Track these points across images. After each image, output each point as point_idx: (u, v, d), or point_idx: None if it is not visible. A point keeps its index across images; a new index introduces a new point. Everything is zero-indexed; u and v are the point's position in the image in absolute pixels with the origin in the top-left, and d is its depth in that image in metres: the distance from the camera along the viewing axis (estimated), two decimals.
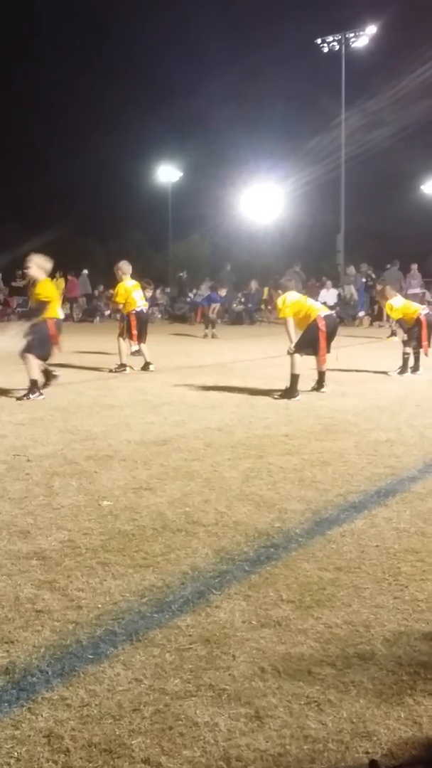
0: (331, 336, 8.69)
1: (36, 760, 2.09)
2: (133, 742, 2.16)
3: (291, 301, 8.71)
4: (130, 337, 11.22)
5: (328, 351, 8.73)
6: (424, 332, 10.31)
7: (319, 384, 8.80)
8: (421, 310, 10.60)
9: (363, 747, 2.13)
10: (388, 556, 3.55)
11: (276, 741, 2.16)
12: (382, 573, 3.36)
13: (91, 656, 2.64)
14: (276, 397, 8.31)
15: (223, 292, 21.98)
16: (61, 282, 29.41)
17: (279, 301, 8.88)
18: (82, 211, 48.95)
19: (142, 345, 11.37)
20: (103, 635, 2.79)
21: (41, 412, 7.44)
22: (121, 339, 11.28)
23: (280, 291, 9.04)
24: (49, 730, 2.22)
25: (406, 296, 26.03)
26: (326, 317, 8.67)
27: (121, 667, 2.57)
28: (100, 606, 3.03)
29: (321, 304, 9.37)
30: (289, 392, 8.30)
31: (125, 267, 11.41)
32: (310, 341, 8.54)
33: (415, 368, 10.44)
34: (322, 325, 8.50)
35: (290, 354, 8.49)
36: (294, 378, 8.39)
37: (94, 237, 54.97)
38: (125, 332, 11.23)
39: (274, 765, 2.06)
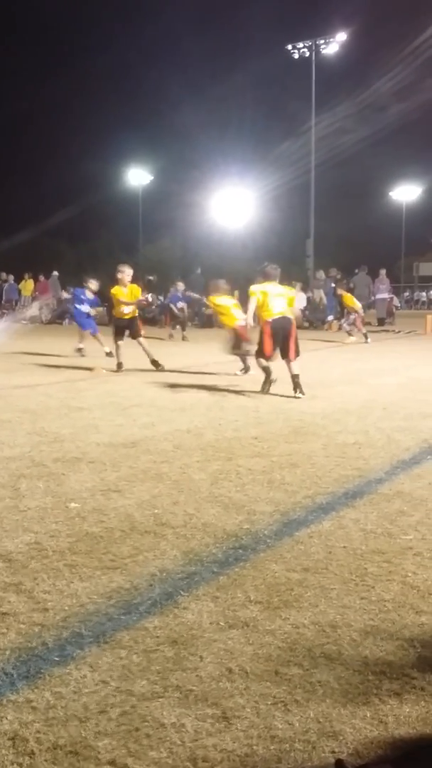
0: (279, 335, 8.76)
1: (0, 762, 2.06)
2: (99, 743, 2.14)
3: (261, 288, 8.90)
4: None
5: (297, 353, 8.80)
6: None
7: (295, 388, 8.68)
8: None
9: (329, 746, 2.14)
10: (355, 557, 3.57)
11: (243, 741, 2.16)
12: (349, 574, 3.37)
13: (57, 658, 2.61)
14: (263, 391, 8.82)
15: (181, 286, 21.62)
16: (30, 284, 29.24)
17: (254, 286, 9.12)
18: (52, 213, 48.72)
19: (119, 343, 11.50)
20: (70, 637, 2.77)
21: (8, 413, 7.37)
22: (119, 342, 11.49)
23: (260, 278, 9.25)
24: (14, 732, 2.20)
25: (374, 301, 26.30)
26: (272, 321, 8.74)
27: (88, 669, 2.55)
28: (66, 608, 3.01)
29: (279, 308, 9.08)
30: (264, 385, 8.85)
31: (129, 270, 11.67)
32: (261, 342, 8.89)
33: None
34: (267, 328, 8.77)
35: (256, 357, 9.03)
36: (265, 370, 8.88)
37: (64, 239, 54.74)
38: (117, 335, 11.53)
39: (241, 765, 2.06)
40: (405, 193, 56.18)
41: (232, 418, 7.18)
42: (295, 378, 8.64)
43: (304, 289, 26.81)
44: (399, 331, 22.28)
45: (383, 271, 26.65)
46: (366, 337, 17.95)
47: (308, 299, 25.80)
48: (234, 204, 41.67)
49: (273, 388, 8.90)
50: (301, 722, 2.25)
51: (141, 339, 11.53)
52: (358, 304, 18.69)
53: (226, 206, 42.06)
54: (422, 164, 56.68)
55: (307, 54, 37.43)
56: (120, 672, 2.53)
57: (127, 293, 11.43)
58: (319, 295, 25.19)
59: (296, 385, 8.60)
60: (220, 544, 3.74)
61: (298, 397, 8.45)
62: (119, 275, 11.50)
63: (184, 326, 20.08)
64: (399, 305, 34.31)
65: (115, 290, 11.46)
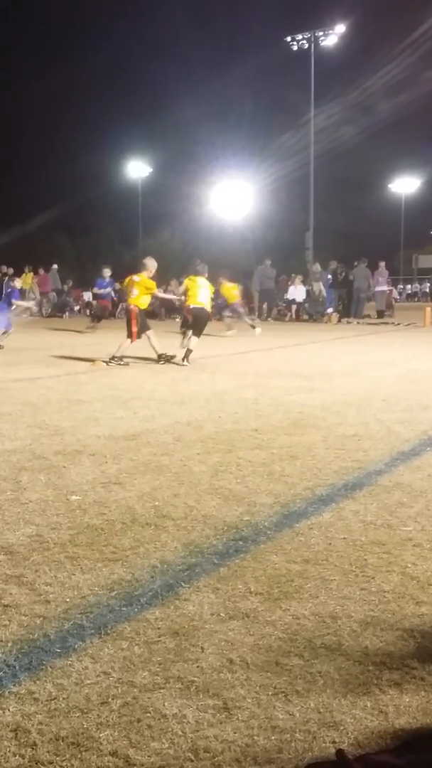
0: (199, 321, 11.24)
1: (2, 754, 2.07)
2: (101, 735, 2.15)
3: (192, 282, 11.34)
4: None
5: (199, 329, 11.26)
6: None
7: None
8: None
9: (330, 737, 2.15)
10: (355, 548, 3.58)
11: (244, 732, 2.17)
12: (349, 565, 3.38)
13: (58, 650, 2.62)
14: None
15: (107, 272, 20.84)
16: (30, 277, 29.17)
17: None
18: (52, 207, 48.60)
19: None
20: (71, 629, 2.78)
21: (9, 406, 7.38)
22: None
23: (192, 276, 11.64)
24: (17, 724, 2.21)
25: (373, 293, 26.29)
26: (193, 308, 11.19)
27: (89, 660, 2.56)
28: (68, 600, 3.02)
29: (202, 299, 11.38)
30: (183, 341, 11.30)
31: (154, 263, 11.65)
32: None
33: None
34: (190, 311, 11.23)
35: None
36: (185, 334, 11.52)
37: (64, 232, 54.59)
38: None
39: (242, 755, 2.07)
40: (404, 185, 56.11)
41: (231, 411, 7.19)
42: (189, 352, 10.94)
43: (304, 282, 26.78)
44: (398, 324, 22.28)
45: (382, 264, 26.63)
46: (254, 327, 17.97)
47: (308, 292, 25.78)
48: (233, 196, 41.58)
49: (275, 382, 9.18)
50: (302, 713, 2.26)
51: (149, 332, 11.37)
52: (236, 295, 18.52)
53: (225, 199, 41.98)
54: (421, 156, 56.63)
55: (306, 46, 37.29)
56: (121, 663, 2.54)
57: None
58: (319, 287, 25.15)
59: (186, 355, 10.90)
60: (220, 535, 3.75)
61: (184, 365, 10.66)
62: (149, 267, 11.39)
63: (100, 319, 19.65)
64: (398, 297, 34.25)
65: (149, 283, 11.33)
